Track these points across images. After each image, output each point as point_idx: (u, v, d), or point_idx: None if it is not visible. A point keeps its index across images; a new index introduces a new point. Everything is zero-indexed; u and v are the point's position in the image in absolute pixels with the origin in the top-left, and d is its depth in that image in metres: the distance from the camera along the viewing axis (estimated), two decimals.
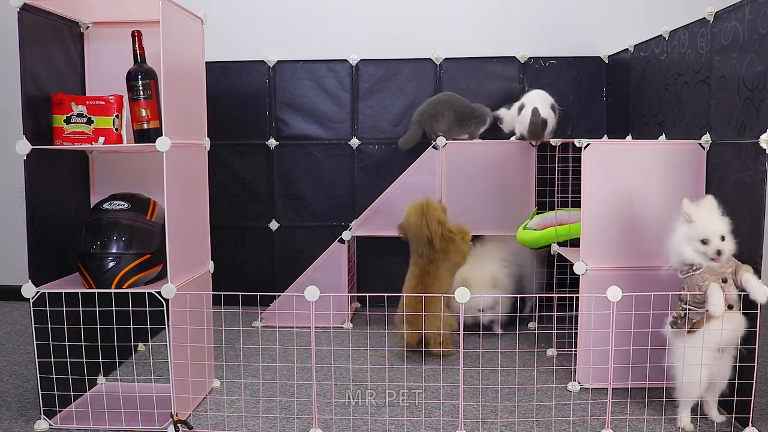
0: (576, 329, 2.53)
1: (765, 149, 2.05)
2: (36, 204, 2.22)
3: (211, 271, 2.55)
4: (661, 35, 2.83)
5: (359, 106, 3.68)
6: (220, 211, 3.69)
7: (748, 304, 2.11)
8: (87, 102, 2.23)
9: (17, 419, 2.31)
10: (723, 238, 2.11)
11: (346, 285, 3.37)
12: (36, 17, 2.25)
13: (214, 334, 2.59)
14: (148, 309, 2.29)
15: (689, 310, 2.15)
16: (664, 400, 2.31)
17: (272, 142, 3.70)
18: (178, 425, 2.16)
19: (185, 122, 2.32)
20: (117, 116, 2.25)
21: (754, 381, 2.12)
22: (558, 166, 2.98)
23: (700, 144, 2.45)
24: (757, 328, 2.11)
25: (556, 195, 2.98)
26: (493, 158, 3.29)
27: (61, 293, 2.23)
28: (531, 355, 2.78)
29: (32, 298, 2.19)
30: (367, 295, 3.33)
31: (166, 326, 2.19)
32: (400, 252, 3.19)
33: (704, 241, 2.11)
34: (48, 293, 2.21)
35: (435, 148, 3.27)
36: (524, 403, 2.41)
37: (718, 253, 2.09)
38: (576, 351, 2.52)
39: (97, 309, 2.37)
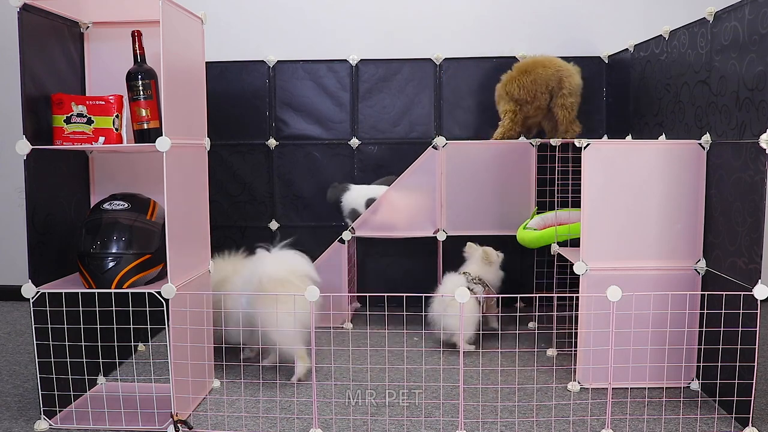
0: (576, 329, 2.53)
1: (765, 149, 2.05)
2: (36, 204, 2.22)
3: (211, 271, 2.55)
4: (661, 35, 2.83)
5: (359, 106, 3.68)
6: (220, 211, 3.68)
7: (748, 304, 2.11)
8: (87, 102, 2.23)
9: (17, 419, 2.31)
10: None
11: (346, 285, 3.37)
12: (36, 17, 2.25)
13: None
14: (148, 309, 2.30)
15: None
16: (664, 400, 2.31)
17: (272, 142, 3.70)
18: (178, 425, 2.16)
19: (185, 122, 2.32)
20: (117, 116, 2.25)
21: (754, 381, 2.12)
22: (558, 166, 2.98)
23: (700, 144, 2.45)
24: (757, 328, 2.11)
25: (556, 195, 2.98)
26: (493, 158, 3.29)
27: (61, 293, 2.23)
28: (531, 355, 2.78)
29: (32, 298, 2.19)
30: (367, 295, 3.33)
31: (166, 326, 2.19)
32: (400, 252, 3.19)
33: None
34: (48, 293, 2.21)
35: (435, 148, 3.27)
36: (524, 403, 2.41)
37: None
38: (576, 351, 2.52)
39: (97, 309, 2.37)
